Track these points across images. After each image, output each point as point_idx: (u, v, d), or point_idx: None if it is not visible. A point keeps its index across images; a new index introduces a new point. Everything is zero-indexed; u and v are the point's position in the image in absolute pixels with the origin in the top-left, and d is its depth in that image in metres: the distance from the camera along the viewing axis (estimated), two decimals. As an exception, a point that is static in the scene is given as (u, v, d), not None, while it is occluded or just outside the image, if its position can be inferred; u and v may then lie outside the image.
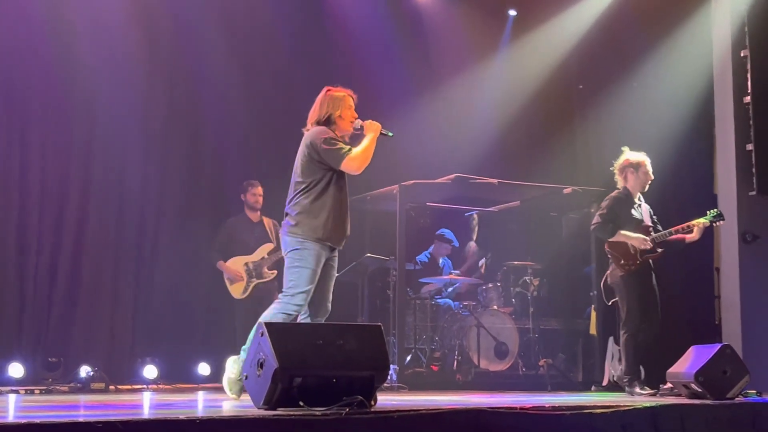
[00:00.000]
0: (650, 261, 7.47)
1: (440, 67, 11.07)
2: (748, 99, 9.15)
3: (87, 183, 9.18)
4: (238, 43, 10.02)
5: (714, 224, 7.60)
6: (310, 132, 5.95)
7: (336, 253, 5.99)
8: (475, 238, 10.96)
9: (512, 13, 11.39)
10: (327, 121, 5.97)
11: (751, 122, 9.08)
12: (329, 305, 5.94)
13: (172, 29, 9.64)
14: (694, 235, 7.44)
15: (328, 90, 6.09)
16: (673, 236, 7.46)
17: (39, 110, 8.96)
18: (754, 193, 9.08)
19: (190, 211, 9.77)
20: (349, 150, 5.79)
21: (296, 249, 5.77)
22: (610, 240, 7.54)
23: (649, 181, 7.63)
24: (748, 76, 9.17)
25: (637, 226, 7.49)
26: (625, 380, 7.45)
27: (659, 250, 7.44)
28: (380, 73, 10.61)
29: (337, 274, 7.04)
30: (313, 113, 6.04)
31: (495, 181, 9.80)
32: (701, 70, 9.83)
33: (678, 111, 10.02)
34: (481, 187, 9.95)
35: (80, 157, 9.17)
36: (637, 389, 7.25)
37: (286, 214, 5.92)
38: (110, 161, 9.32)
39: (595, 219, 7.66)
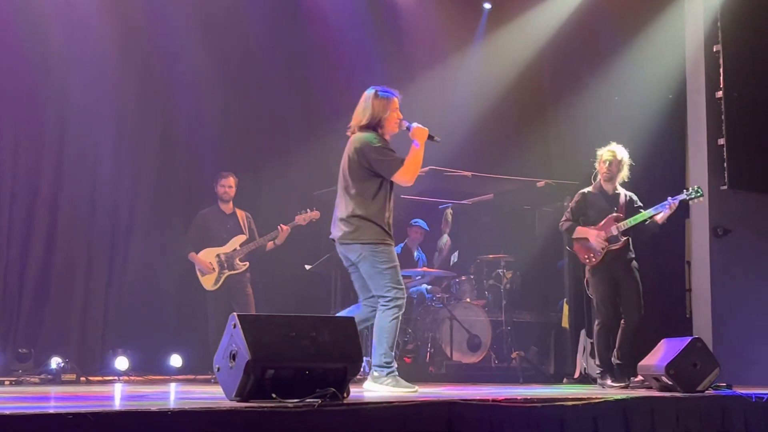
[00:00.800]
0: (625, 251, 7.48)
1: (415, 59, 11.05)
2: (720, 94, 9.24)
3: (59, 174, 9.11)
4: (212, 34, 9.97)
5: (691, 201, 7.56)
6: (359, 138, 5.92)
7: None
8: (449, 231, 10.99)
9: (487, 6, 11.39)
10: (375, 125, 5.96)
11: (722, 117, 9.16)
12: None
13: (146, 19, 9.57)
14: (663, 214, 7.41)
15: (377, 91, 6.02)
16: (641, 221, 7.47)
17: (10, 102, 8.87)
18: (725, 187, 9.16)
19: (162, 202, 9.73)
20: (401, 161, 5.81)
21: (373, 254, 5.84)
22: (573, 237, 7.62)
23: (609, 172, 7.61)
24: (721, 71, 9.24)
25: (603, 215, 7.54)
26: (597, 372, 7.49)
27: (623, 239, 7.46)
28: (355, 65, 10.59)
29: (310, 267, 7.05)
30: (361, 116, 6.00)
31: (469, 173, 9.82)
32: (674, 65, 9.89)
33: (651, 105, 10.07)
34: (454, 180, 9.97)
35: (52, 148, 9.10)
36: (609, 381, 7.30)
37: (341, 220, 5.91)
38: (82, 152, 9.25)
39: (563, 217, 7.77)
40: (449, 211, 11.03)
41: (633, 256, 7.55)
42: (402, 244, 10.61)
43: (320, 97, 10.08)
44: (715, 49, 9.37)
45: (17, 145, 8.87)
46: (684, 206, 9.45)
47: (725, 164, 9.12)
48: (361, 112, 6.00)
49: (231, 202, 9.04)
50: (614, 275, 7.49)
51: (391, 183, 5.96)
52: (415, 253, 10.64)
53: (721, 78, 9.24)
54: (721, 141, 9.17)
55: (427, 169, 9.60)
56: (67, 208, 9.12)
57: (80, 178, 9.23)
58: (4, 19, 8.77)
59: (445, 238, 10.98)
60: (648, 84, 10.14)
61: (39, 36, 8.90)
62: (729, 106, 9.17)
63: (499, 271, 10.09)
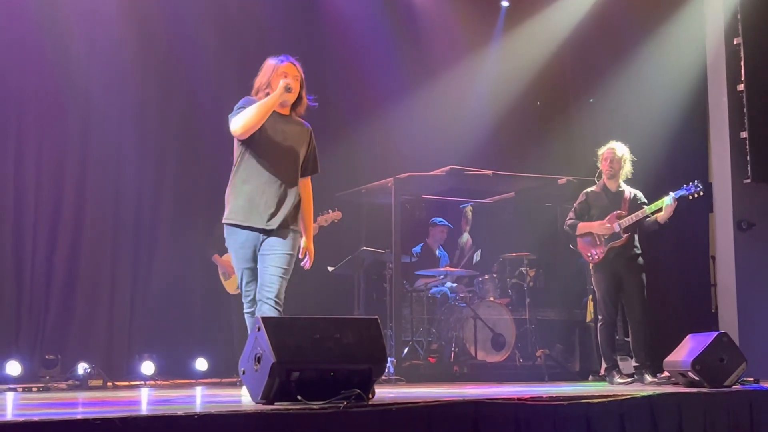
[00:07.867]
0: (629, 247, 7.46)
1: (434, 59, 11.05)
2: (741, 87, 9.20)
3: (83, 179, 9.16)
4: (231, 37, 10.01)
5: (691, 197, 7.44)
6: None
7: (273, 237, 5.30)
8: (468, 230, 10.97)
9: (505, 3, 11.38)
10: (261, 91, 5.62)
11: (744, 110, 9.13)
12: (264, 293, 5.24)
13: (167, 23, 9.62)
14: (664, 214, 7.32)
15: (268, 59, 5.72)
16: (640, 218, 7.42)
17: (34, 107, 8.95)
18: (749, 180, 9.11)
19: (187, 205, 9.75)
20: (238, 111, 5.34)
21: (226, 236, 5.42)
22: (576, 235, 7.65)
23: (611, 170, 7.61)
24: (742, 64, 9.21)
25: (606, 213, 7.56)
26: (604, 371, 7.58)
27: (624, 235, 7.43)
28: (374, 65, 10.60)
29: (333, 268, 6.93)
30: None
31: (490, 172, 9.80)
32: (695, 59, 9.85)
33: (672, 100, 10.03)
34: (475, 179, 9.95)
35: (75, 154, 9.16)
36: (617, 378, 7.35)
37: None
38: (106, 157, 9.30)
39: (567, 217, 7.84)
40: (469, 208, 11.00)
41: (638, 252, 7.54)
42: (422, 243, 10.60)
43: (338, 97, 10.06)
44: (735, 42, 9.33)
45: (41, 154, 8.93)
46: (707, 200, 9.43)
47: (748, 157, 9.07)
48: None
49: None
50: (617, 272, 7.49)
51: (260, 150, 5.44)
52: (437, 252, 10.62)
53: (743, 71, 9.19)
54: (744, 134, 9.13)
55: (447, 168, 9.61)
56: (92, 212, 9.17)
57: (104, 183, 9.28)
58: (27, 26, 8.84)
59: (466, 237, 10.95)
60: (669, 78, 10.10)
61: (61, 41, 8.98)
62: (751, 99, 9.12)
63: (522, 269, 10.05)
